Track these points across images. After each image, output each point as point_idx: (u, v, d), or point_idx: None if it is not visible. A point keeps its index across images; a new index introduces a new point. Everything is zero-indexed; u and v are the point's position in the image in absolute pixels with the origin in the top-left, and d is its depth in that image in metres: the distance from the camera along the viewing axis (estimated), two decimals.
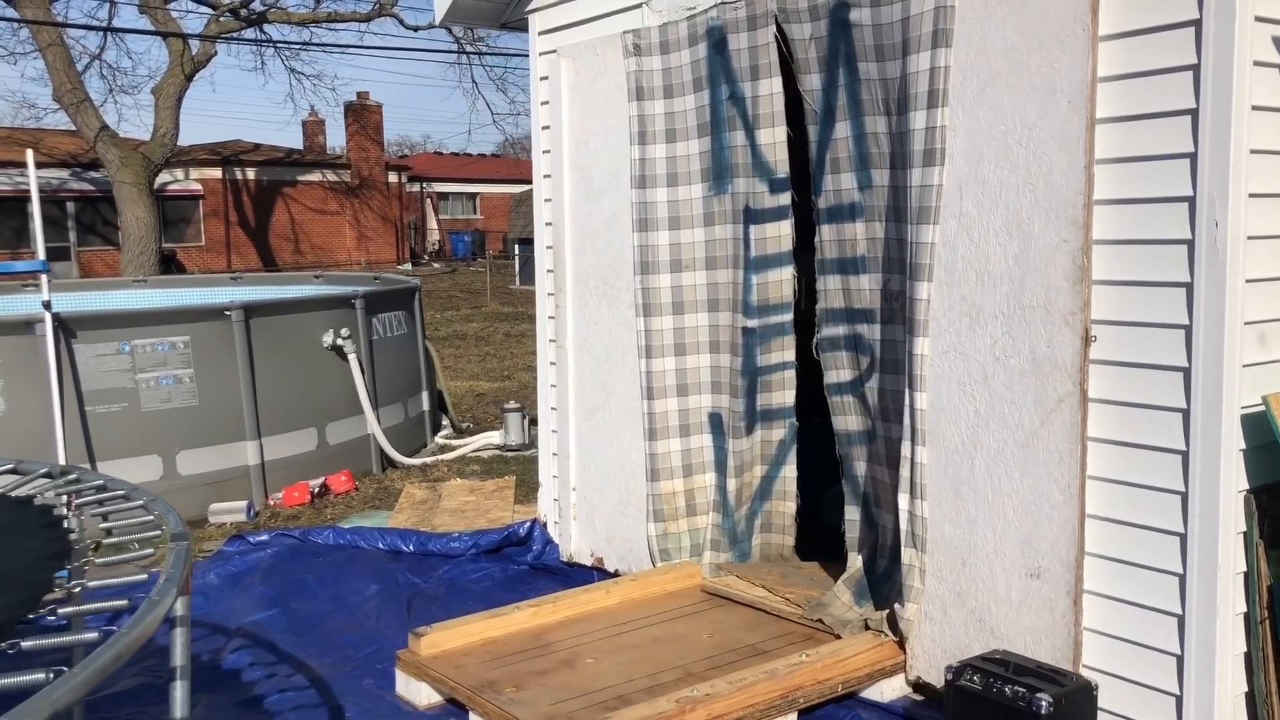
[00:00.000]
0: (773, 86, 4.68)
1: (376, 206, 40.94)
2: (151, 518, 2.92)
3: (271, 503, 7.44)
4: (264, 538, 6.37)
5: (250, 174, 37.68)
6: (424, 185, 46.37)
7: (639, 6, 5.26)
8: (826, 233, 4.53)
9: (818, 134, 4.49)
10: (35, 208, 6.55)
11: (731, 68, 4.78)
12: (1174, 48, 3.34)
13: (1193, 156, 3.33)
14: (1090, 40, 3.49)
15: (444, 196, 48.06)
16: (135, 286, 12.40)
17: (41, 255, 6.58)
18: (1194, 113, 3.32)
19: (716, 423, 5.24)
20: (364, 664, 4.76)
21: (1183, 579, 3.45)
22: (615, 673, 4.18)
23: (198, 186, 36.11)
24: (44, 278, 6.50)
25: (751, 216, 4.91)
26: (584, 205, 5.62)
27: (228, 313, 7.28)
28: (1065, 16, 3.54)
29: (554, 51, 5.73)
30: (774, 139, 4.70)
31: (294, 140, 42.79)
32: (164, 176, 33.86)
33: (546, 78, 5.82)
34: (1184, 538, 3.44)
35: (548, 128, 5.84)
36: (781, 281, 4.91)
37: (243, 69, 77.84)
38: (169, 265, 31.68)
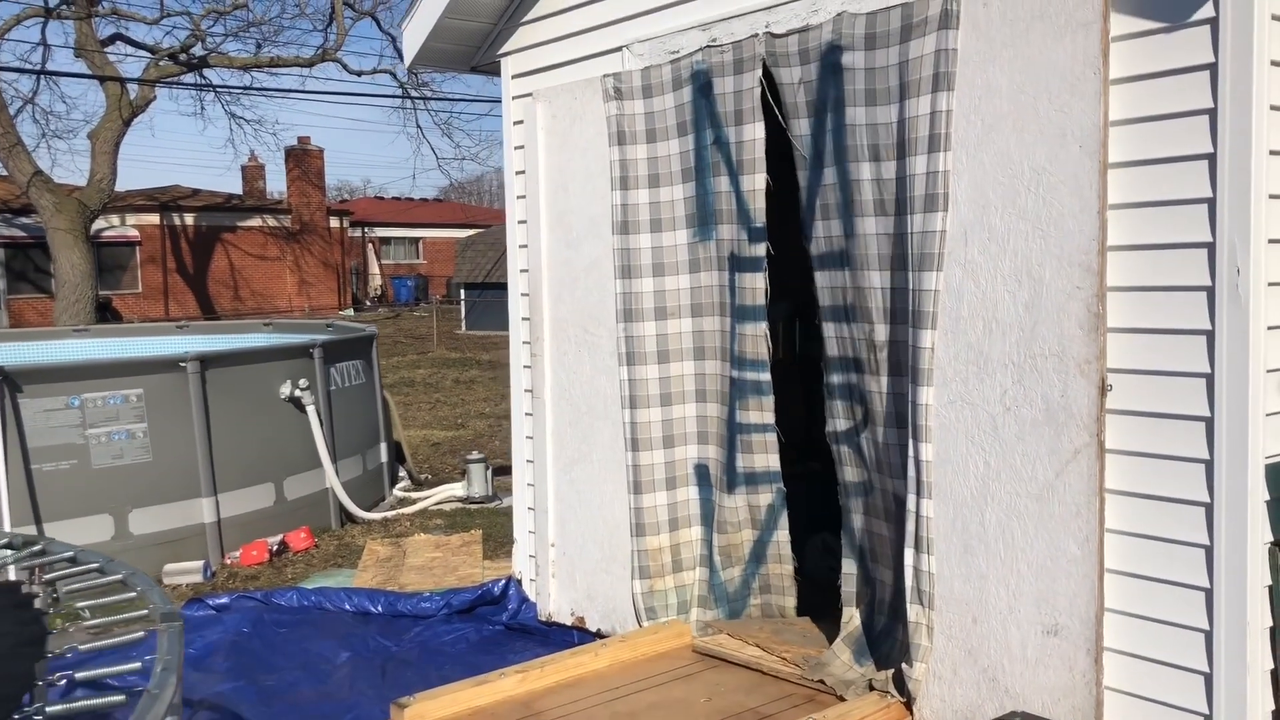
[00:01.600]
0: (756, 132, 4.57)
1: (318, 252, 40.43)
2: (134, 595, 2.69)
3: (229, 562, 7.13)
4: (224, 600, 6.07)
5: (189, 220, 37.04)
6: (365, 230, 45.93)
7: (618, 50, 5.15)
8: (820, 280, 4.42)
9: (807, 180, 4.39)
10: None
11: (716, 112, 4.68)
12: (1190, 91, 3.28)
13: (1211, 201, 3.26)
14: (1102, 84, 3.42)
15: (386, 241, 47.61)
16: (76, 336, 11.99)
17: None
18: (1211, 157, 3.25)
19: (703, 474, 5.08)
20: None
21: (1209, 635, 3.35)
22: None
23: (134, 233, 35.41)
24: None
25: (737, 264, 4.78)
26: (562, 252, 5.46)
27: (182, 364, 7.00)
28: (1075, 60, 3.47)
29: (529, 95, 5.59)
30: (755, 186, 4.58)
31: (234, 185, 42.21)
32: (99, 223, 33.07)
33: (521, 122, 5.67)
34: (1209, 593, 3.34)
35: (522, 172, 5.69)
36: (756, 337, 4.77)
37: (182, 114, 76.58)
38: (104, 313, 30.92)
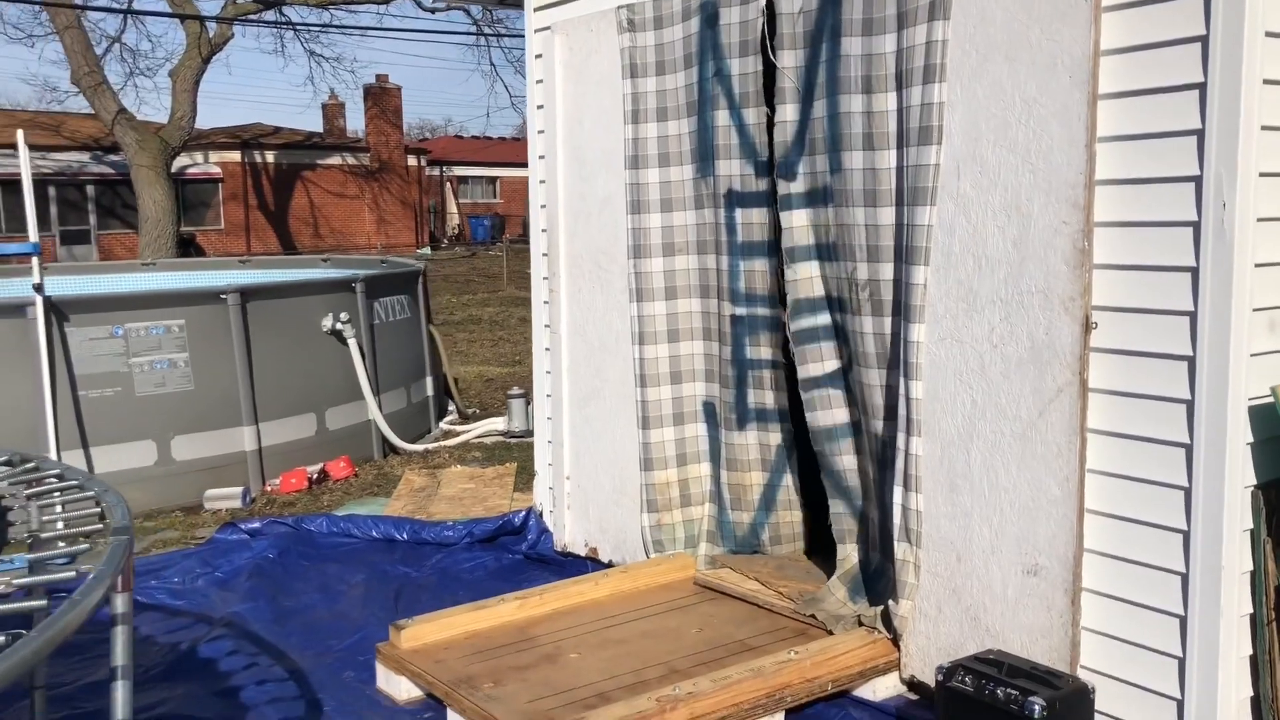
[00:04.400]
0: (760, 63, 4.50)
1: (396, 190, 40.91)
2: (99, 510, 2.81)
3: (269, 489, 7.35)
4: (256, 525, 6.28)
5: (270, 157, 37.71)
6: (444, 169, 46.31)
7: None
8: (798, 218, 4.35)
9: (798, 113, 4.31)
10: (26, 188, 6.45)
11: (720, 43, 4.61)
12: (1182, 18, 3.16)
13: (1200, 133, 3.15)
14: (1093, 10, 3.30)
15: (464, 180, 47.96)
16: (145, 270, 12.36)
17: (34, 238, 6.49)
18: (1202, 87, 3.13)
19: (710, 412, 5.09)
20: (346, 655, 4.65)
21: (1185, 578, 3.29)
22: (599, 668, 4.05)
23: (217, 170, 36.18)
24: (35, 260, 6.41)
25: (739, 200, 4.72)
26: (578, 187, 5.47)
27: (224, 296, 7.18)
28: None
29: (549, 28, 5.57)
30: (761, 119, 4.52)
31: (313, 124, 42.74)
32: (184, 160, 33.92)
33: (541, 55, 5.66)
34: (1187, 535, 3.28)
35: (542, 107, 5.69)
36: (765, 272, 4.70)
37: (262, 51, 77.78)
38: (188, 248, 31.76)
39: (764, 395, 4.87)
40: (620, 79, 5.08)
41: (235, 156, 36.69)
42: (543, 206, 5.78)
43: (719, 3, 4.60)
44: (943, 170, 3.77)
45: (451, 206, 47.04)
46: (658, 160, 4.99)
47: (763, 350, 4.83)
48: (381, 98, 40.25)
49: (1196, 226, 3.18)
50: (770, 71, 4.49)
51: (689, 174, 4.89)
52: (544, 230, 5.79)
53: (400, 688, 4.19)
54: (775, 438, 4.91)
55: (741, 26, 4.53)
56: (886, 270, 3.98)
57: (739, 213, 4.68)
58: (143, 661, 4.60)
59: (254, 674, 4.48)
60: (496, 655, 4.19)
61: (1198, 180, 3.17)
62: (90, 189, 33.25)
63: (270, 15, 28.75)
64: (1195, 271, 3.19)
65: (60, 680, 4.37)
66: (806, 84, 4.20)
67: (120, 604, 2.52)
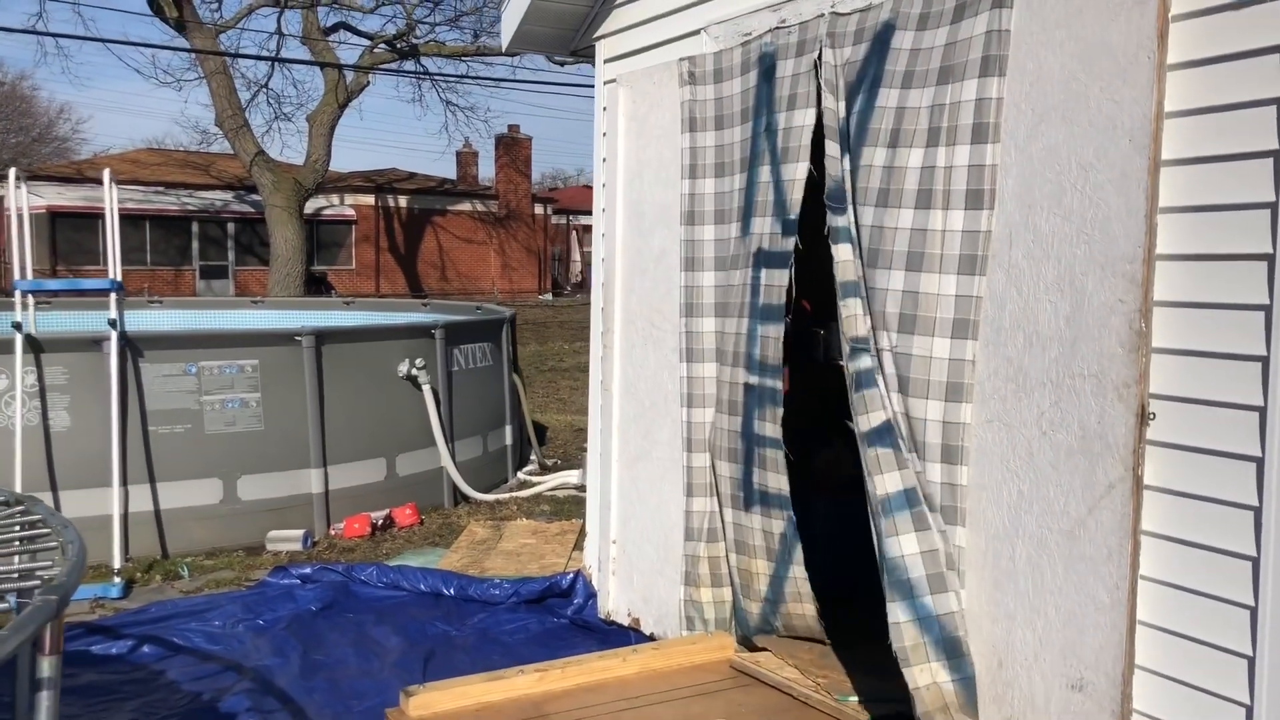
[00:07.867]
0: (806, 118, 4.22)
1: (522, 238, 41.54)
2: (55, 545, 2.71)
3: (333, 533, 7.30)
4: (307, 571, 6.21)
5: (402, 202, 38.72)
6: (570, 217, 46.87)
7: (697, 34, 4.93)
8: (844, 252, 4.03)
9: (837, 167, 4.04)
10: (110, 224, 6.59)
11: (774, 96, 4.38)
12: (1257, 78, 2.82)
13: (1273, 206, 2.80)
14: (1156, 69, 2.98)
15: (589, 229, 48.41)
16: (253, 307, 12.66)
17: (114, 274, 6.61)
18: (1277, 154, 2.79)
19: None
20: (362, 718, 4.49)
21: (1250, 711, 2.88)
22: None
23: (351, 212, 37.29)
24: (113, 296, 6.52)
25: (765, 260, 4.43)
26: (635, 241, 5.29)
27: (298, 338, 7.20)
28: (1129, 41, 3.04)
29: (614, 81, 5.44)
30: (796, 175, 4.24)
31: (446, 170, 43.85)
32: (320, 201, 35.10)
33: (606, 109, 5.53)
34: (1252, 661, 2.87)
35: (606, 160, 5.55)
36: (777, 339, 4.33)
37: (401, 100, 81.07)
38: (320, 287, 32.70)
39: (766, 476, 4.44)
40: (680, 132, 4.90)
41: (369, 200, 37.76)
42: (603, 260, 5.62)
43: (776, 55, 4.38)
44: (994, 238, 3.46)
45: (576, 254, 47.54)
46: (714, 217, 4.78)
47: (766, 427, 4.43)
48: (512, 147, 41.06)
49: (1268, 310, 2.82)
50: (820, 125, 4.23)
51: (735, 232, 4.65)
52: (603, 284, 5.62)
53: None
54: (779, 525, 4.45)
55: (794, 79, 4.30)
56: (936, 345, 3.64)
57: (764, 273, 4.40)
58: (159, 710, 4.52)
59: None
60: None
61: (1270, 259, 2.81)
62: (230, 226, 34.61)
63: (410, 65, 29.56)
64: (1265, 361, 2.82)
65: None
66: (844, 134, 3.93)
67: (46, 668, 2.40)
